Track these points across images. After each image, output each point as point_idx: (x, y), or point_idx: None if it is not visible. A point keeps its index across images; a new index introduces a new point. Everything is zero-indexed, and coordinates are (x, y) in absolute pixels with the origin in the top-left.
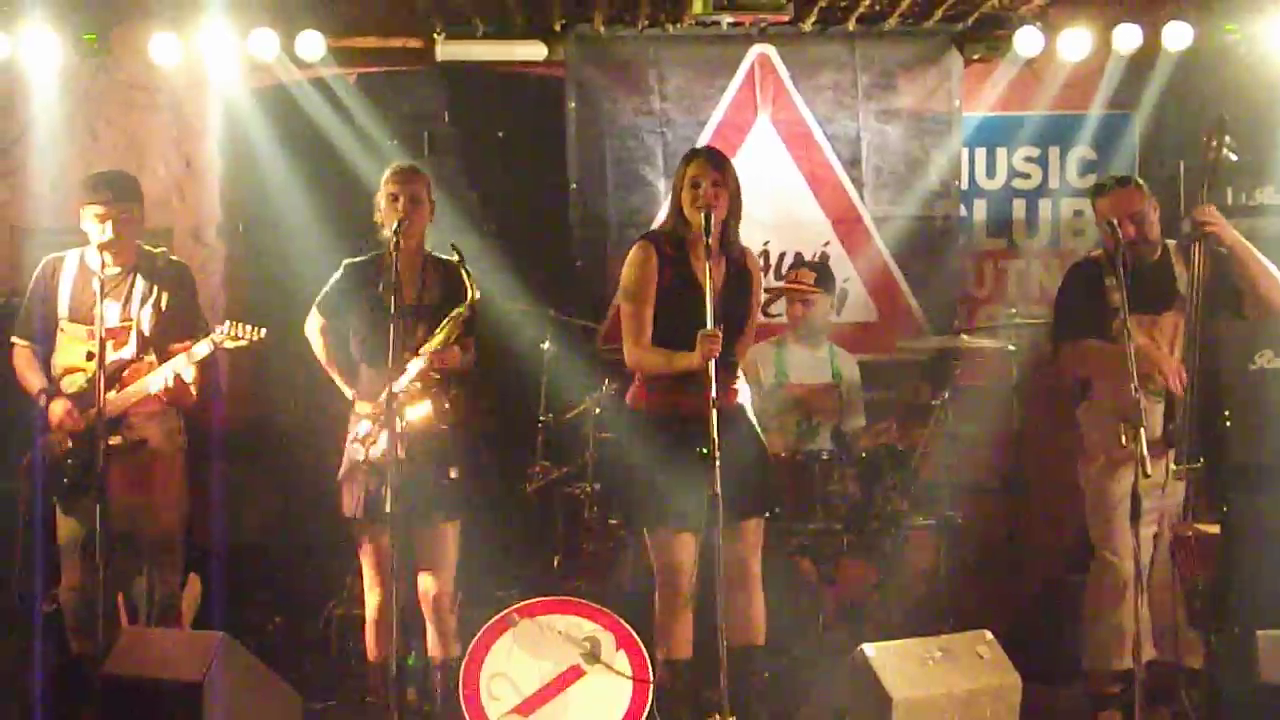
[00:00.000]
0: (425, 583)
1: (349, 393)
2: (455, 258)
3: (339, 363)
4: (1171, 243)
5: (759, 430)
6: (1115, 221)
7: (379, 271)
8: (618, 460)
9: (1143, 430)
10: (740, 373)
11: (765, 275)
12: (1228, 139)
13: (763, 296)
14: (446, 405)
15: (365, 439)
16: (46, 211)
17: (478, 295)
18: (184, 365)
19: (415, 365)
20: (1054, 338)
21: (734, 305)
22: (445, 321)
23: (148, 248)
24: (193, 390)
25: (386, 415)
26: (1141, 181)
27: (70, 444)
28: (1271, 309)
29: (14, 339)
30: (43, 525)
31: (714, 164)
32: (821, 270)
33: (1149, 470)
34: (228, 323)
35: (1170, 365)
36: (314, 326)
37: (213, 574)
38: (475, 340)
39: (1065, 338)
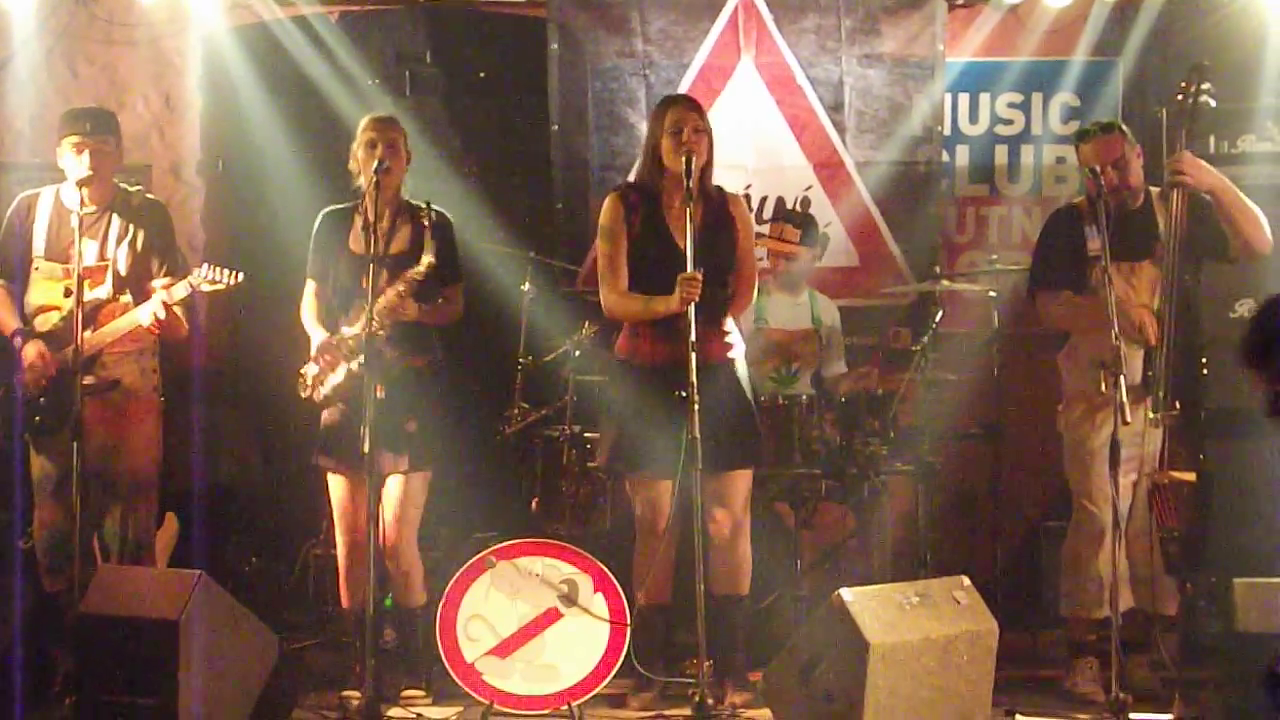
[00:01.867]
0: (390, 532)
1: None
2: (427, 210)
3: (322, 319)
4: (1155, 190)
5: (747, 387)
6: (1097, 168)
7: (350, 219)
8: (599, 405)
9: (1122, 377)
10: (733, 325)
11: None
12: (1206, 85)
13: (754, 245)
14: (388, 360)
15: (313, 379)
16: (25, 148)
17: (433, 259)
18: (160, 305)
19: (364, 317)
20: (1031, 285)
21: (716, 252)
22: (399, 280)
23: (124, 186)
24: (184, 322)
25: (367, 356)
26: (1125, 127)
27: (44, 383)
28: (1255, 251)
29: None
30: (18, 463)
31: (693, 110)
32: (805, 221)
33: (1128, 418)
34: (206, 265)
35: (1142, 316)
36: (308, 295)
37: (190, 514)
38: (455, 291)
39: (1042, 286)
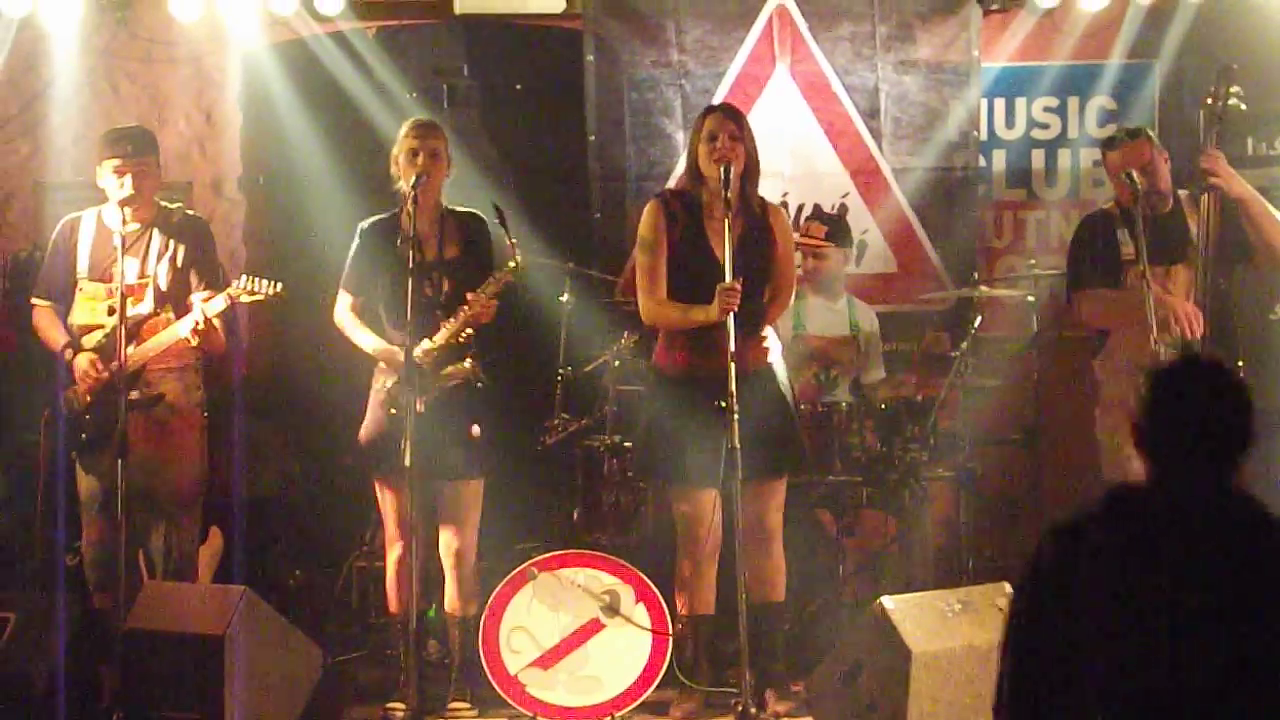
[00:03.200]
0: (446, 539)
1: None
2: (483, 216)
3: (374, 329)
4: (1184, 193)
5: (787, 391)
6: (1133, 173)
7: (397, 229)
8: (639, 416)
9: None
10: (771, 331)
11: None
12: (1235, 88)
13: (793, 256)
14: (477, 365)
15: (390, 394)
16: (68, 166)
17: (521, 257)
18: (200, 318)
19: (450, 326)
20: (1069, 289)
21: (755, 261)
22: (489, 281)
23: (165, 204)
24: (222, 335)
25: (406, 370)
26: (1151, 133)
27: (89, 399)
28: (1279, 260)
29: (34, 300)
30: (64, 480)
31: (730, 118)
32: (835, 223)
33: None
34: (244, 277)
35: (1186, 309)
36: (344, 307)
37: (234, 528)
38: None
39: (1079, 288)
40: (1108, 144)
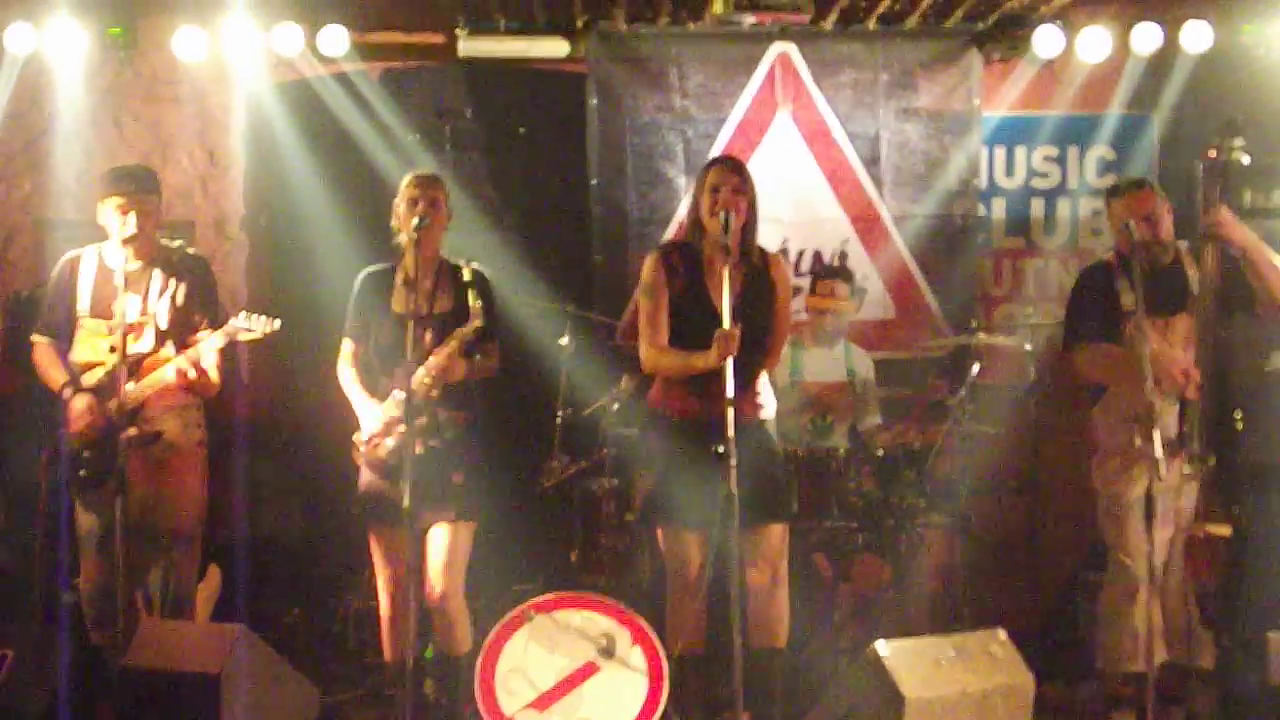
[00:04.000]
0: (433, 581)
1: (366, 409)
2: (468, 272)
3: (363, 382)
4: (1183, 244)
5: (777, 446)
6: (1131, 223)
7: (391, 280)
8: (633, 457)
9: (1157, 433)
10: (765, 384)
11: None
12: (1238, 140)
13: (790, 306)
14: (441, 420)
15: (368, 442)
16: (71, 204)
17: (481, 317)
18: (198, 356)
19: (417, 378)
20: (1067, 342)
21: (754, 312)
22: (448, 339)
23: (165, 242)
24: (214, 378)
25: (406, 413)
26: (1155, 184)
27: (89, 437)
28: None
29: (35, 337)
30: (64, 517)
31: (734, 170)
32: (845, 274)
33: (1163, 474)
34: (243, 314)
35: (1181, 367)
36: (345, 356)
37: (232, 566)
38: (496, 349)
39: (1079, 341)
40: (1112, 192)
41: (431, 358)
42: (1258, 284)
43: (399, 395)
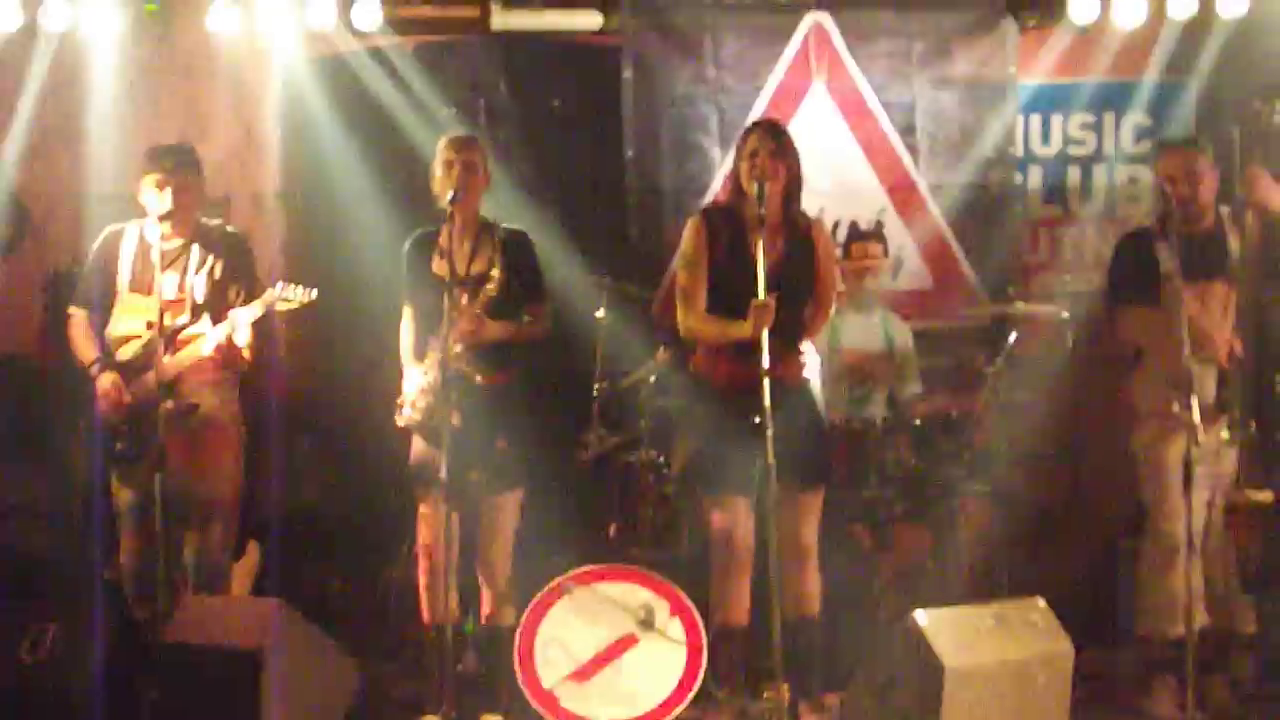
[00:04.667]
0: (482, 551)
1: (407, 372)
2: (500, 232)
3: (417, 349)
4: (1225, 210)
5: (819, 405)
6: (1171, 184)
7: (434, 243)
8: (675, 426)
9: (1194, 398)
10: (809, 346)
11: None
12: (1279, 105)
13: (835, 271)
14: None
15: (402, 403)
16: (108, 179)
17: (493, 286)
18: (235, 326)
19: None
20: (1107, 304)
21: (795, 277)
22: (474, 301)
23: (205, 220)
24: (245, 354)
25: (442, 382)
26: (1201, 143)
27: (125, 411)
28: None
29: (71, 308)
30: (101, 492)
31: (771, 135)
32: (878, 235)
33: (1200, 438)
34: (279, 284)
35: (1221, 335)
36: (405, 320)
37: (271, 541)
38: (540, 308)
39: (1119, 305)
40: (1159, 147)
41: (460, 319)
42: None
43: (436, 358)
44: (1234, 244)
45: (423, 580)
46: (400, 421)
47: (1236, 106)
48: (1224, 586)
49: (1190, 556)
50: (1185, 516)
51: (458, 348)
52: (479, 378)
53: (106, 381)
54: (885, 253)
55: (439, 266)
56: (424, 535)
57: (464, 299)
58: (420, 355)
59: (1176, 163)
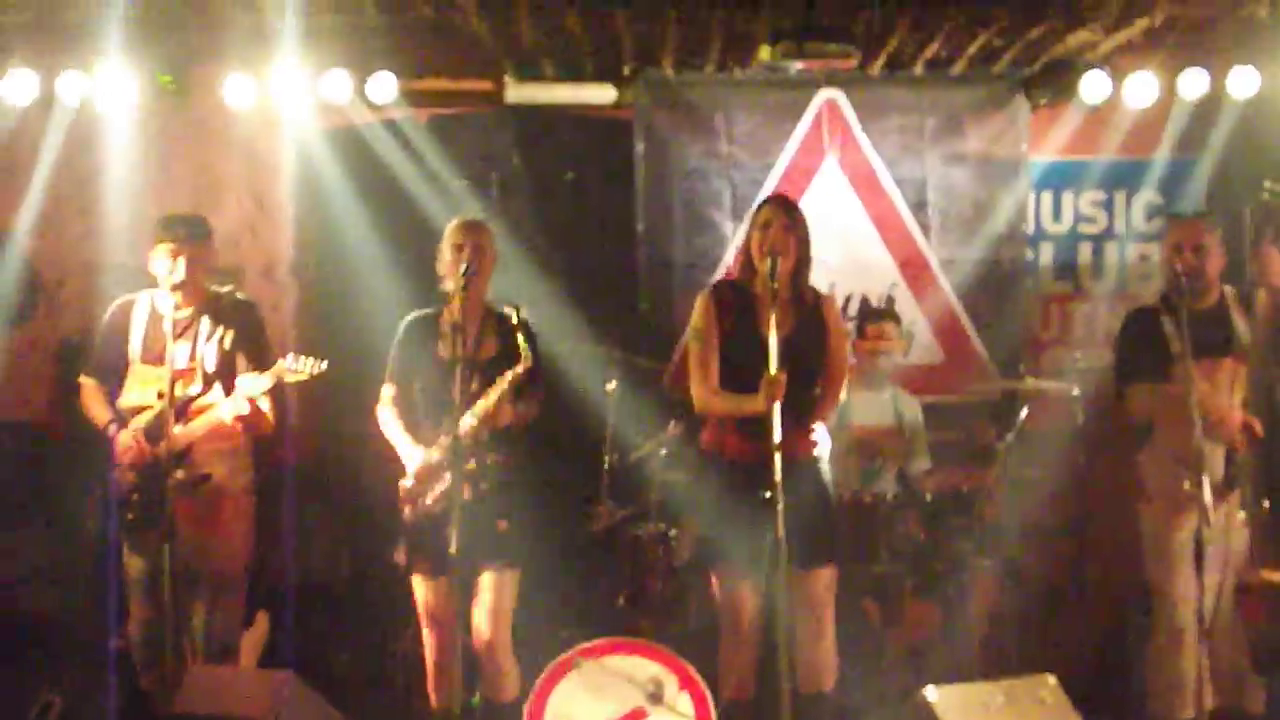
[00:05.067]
0: (479, 629)
1: (410, 454)
2: (516, 316)
3: (408, 426)
4: (1230, 289)
5: (829, 485)
6: (1179, 255)
7: (437, 326)
8: (685, 500)
9: (1206, 478)
10: (820, 425)
11: None
12: None
13: (845, 347)
14: (488, 463)
15: (409, 493)
16: (121, 248)
17: (530, 360)
18: (243, 400)
19: (465, 423)
20: (1118, 381)
21: (806, 353)
22: (498, 381)
23: (215, 289)
24: (269, 417)
25: (451, 460)
26: (1212, 215)
27: (136, 480)
28: None
29: (82, 378)
30: (113, 560)
31: (784, 209)
32: (893, 315)
33: (1212, 519)
34: (290, 355)
35: (1232, 413)
36: (386, 400)
37: (280, 612)
38: (540, 393)
39: (1131, 381)
40: (1170, 218)
41: (480, 401)
42: None
43: (446, 440)
44: (1240, 322)
45: (429, 658)
46: (407, 510)
47: (1247, 185)
48: (1232, 665)
49: (1200, 636)
50: (1196, 598)
51: (473, 425)
52: (491, 457)
53: (127, 437)
54: (899, 332)
55: (446, 349)
56: (425, 615)
57: (474, 382)
58: (416, 437)
59: (1185, 234)
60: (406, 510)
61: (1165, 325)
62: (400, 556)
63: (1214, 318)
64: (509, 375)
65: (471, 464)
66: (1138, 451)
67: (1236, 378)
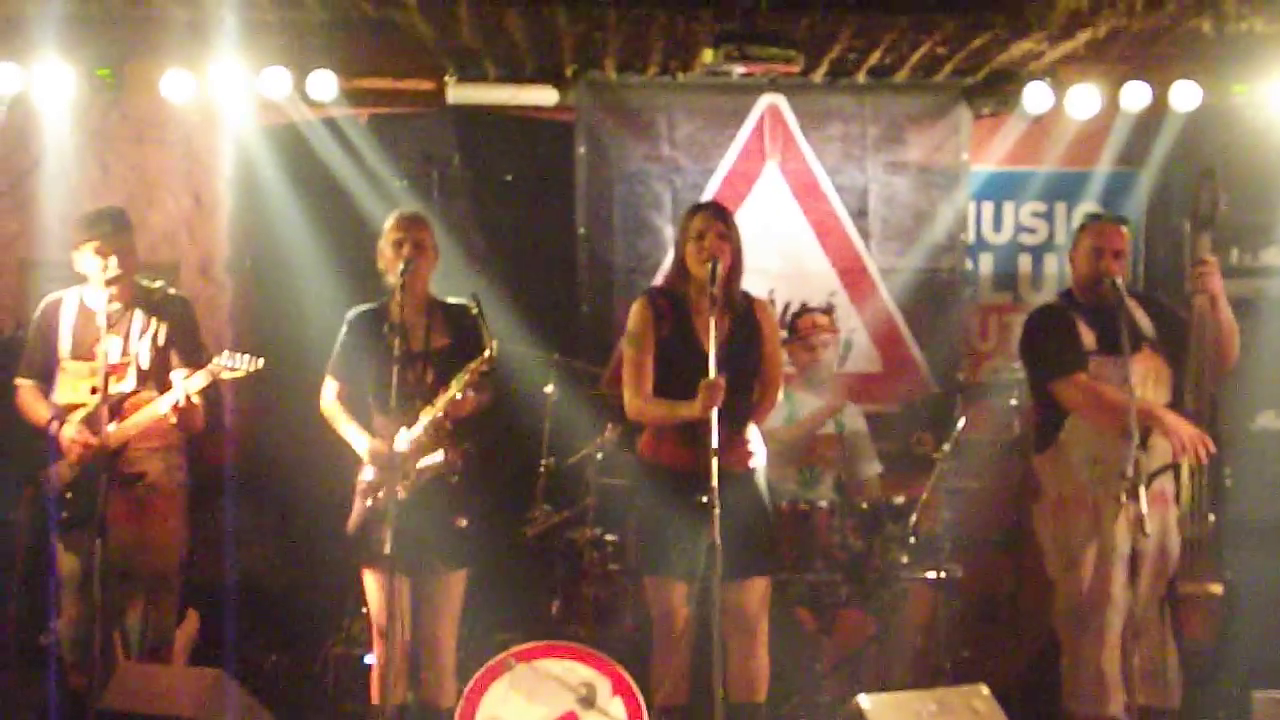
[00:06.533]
0: (427, 630)
1: (362, 446)
2: (469, 305)
3: (358, 419)
4: (1121, 281)
5: (765, 495)
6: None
7: (384, 318)
8: (619, 506)
9: (1142, 487)
10: (756, 434)
11: None
12: (1217, 185)
13: (780, 351)
14: (458, 456)
15: (370, 486)
16: (56, 245)
17: (495, 348)
18: (181, 395)
19: (428, 415)
20: (1040, 380)
21: (741, 358)
22: (463, 372)
23: (145, 282)
24: (202, 415)
25: (390, 460)
26: (1127, 220)
27: (70, 477)
28: (1227, 362)
29: (18, 380)
30: (44, 557)
31: (718, 216)
32: (824, 309)
33: (1148, 529)
34: (225, 353)
35: (1192, 433)
36: (330, 394)
37: (212, 611)
38: (490, 383)
39: (1065, 372)
40: (1084, 224)
41: (444, 392)
42: (1215, 336)
43: (409, 432)
44: (1142, 317)
45: (378, 654)
46: (367, 503)
47: (1187, 198)
48: (1150, 664)
49: (1128, 636)
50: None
51: (435, 418)
52: (446, 453)
53: (71, 430)
54: (833, 326)
55: (394, 342)
56: (374, 609)
57: (429, 375)
58: (371, 431)
59: (1107, 239)
60: (361, 503)
61: (1077, 322)
62: (348, 548)
63: (1120, 313)
64: (474, 364)
65: (439, 456)
66: (1036, 455)
67: (1154, 374)
